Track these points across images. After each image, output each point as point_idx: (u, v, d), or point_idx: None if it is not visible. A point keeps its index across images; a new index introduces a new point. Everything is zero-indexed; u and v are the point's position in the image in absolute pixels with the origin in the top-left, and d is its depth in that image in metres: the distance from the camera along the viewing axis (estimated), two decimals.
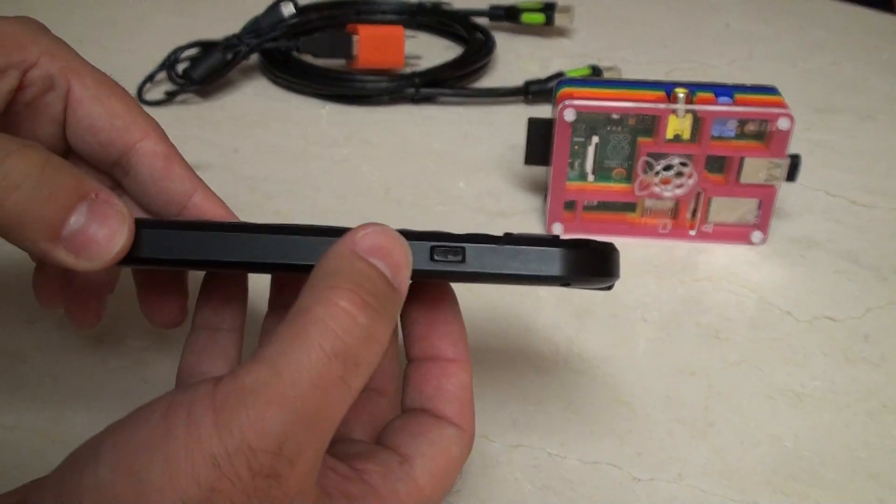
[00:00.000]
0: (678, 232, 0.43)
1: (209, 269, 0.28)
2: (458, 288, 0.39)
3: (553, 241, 0.25)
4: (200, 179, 0.29)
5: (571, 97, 0.40)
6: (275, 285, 0.30)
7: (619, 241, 0.42)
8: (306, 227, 0.25)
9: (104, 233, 0.23)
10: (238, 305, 0.29)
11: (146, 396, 0.31)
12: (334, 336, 0.21)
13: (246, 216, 0.43)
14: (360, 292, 0.22)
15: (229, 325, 0.29)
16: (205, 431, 0.20)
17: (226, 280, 0.29)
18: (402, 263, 0.23)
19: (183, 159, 0.29)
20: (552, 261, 0.25)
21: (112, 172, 0.29)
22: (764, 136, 0.40)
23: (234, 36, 0.56)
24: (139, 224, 0.24)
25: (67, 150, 0.29)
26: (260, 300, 0.30)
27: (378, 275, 0.23)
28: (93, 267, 0.24)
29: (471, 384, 0.27)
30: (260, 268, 0.25)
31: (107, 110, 0.28)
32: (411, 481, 0.25)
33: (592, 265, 0.26)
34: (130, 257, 0.24)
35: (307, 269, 0.23)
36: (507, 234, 0.25)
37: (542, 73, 0.57)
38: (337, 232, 0.24)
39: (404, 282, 0.23)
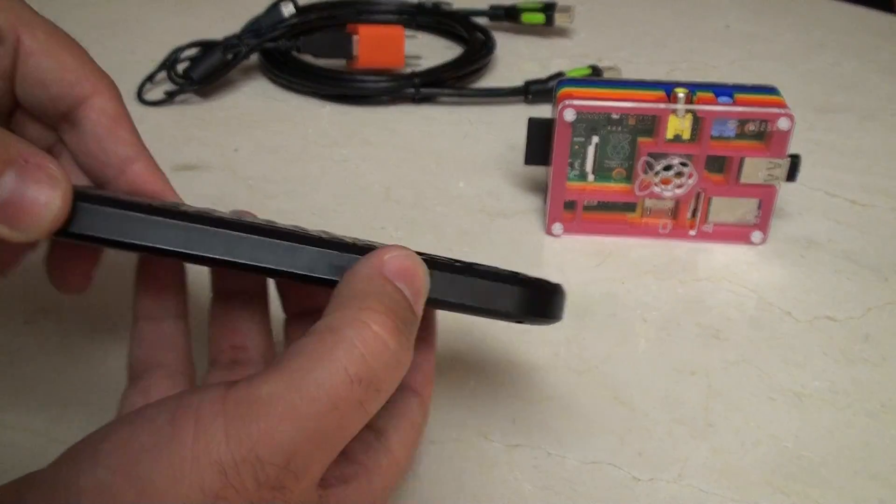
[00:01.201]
0: (678, 232, 0.43)
1: (151, 255, 0.26)
2: None
3: (512, 278, 0.25)
4: (145, 148, 0.28)
5: (571, 97, 0.40)
6: (283, 294, 0.30)
7: (619, 241, 0.42)
8: (258, 227, 0.24)
9: (36, 200, 0.22)
10: (179, 292, 0.29)
11: None
12: (361, 360, 0.21)
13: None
14: (392, 317, 0.22)
15: (174, 313, 0.28)
16: (214, 438, 0.20)
17: (164, 267, 0.28)
18: (422, 289, 0.23)
19: (132, 124, 0.28)
20: (509, 299, 0.25)
21: (58, 128, 0.28)
22: (764, 136, 0.40)
23: (234, 36, 0.56)
24: (81, 196, 0.23)
25: (15, 106, 0.28)
26: (199, 286, 0.30)
27: (405, 300, 0.23)
28: (27, 237, 0.22)
29: (433, 357, 0.28)
30: (207, 262, 0.24)
31: (57, 63, 0.27)
32: (389, 454, 0.25)
33: (543, 307, 0.26)
34: (70, 231, 0.22)
35: (262, 271, 0.23)
36: (470, 265, 0.25)
37: (542, 73, 0.57)
38: (300, 237, 0.24)
39: (421, 307, 0.23)
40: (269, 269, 0.24)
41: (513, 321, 0.27)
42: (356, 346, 0.21)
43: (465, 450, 0.31)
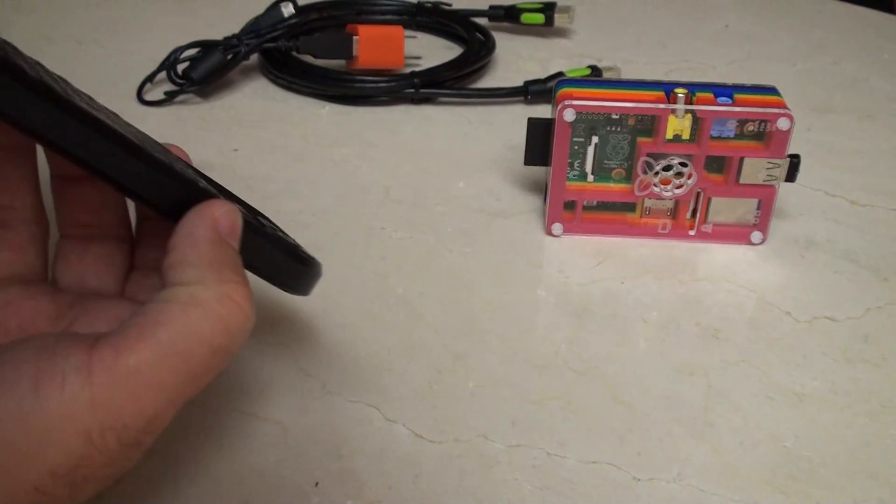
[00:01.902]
0: (678, 232, 0.43)
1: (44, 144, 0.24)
2: (455, 287, 0.39)
3: (294, 252, 0.28)
4: None
5: (571, 97, 0.40)
6: (135, 241, 0.30)
7: (618, 241, 0.42)
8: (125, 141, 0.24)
9: None
10: (118, 206, 0.29)
11: None
12: (226, 333, 0.23)
13: None
14: (246, 282, 0.24)
15: (111, 232, 0.28)
16: (81, 407, 0.20)
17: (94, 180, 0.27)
18: (239, 241, 0.25)
19: None
20: (291, 274, 0.28)
21: None
22: (764, 136, 0.40)
23: (234, 36, 0.56)
24: None
25: None
26: None
27: (238, 255, 0.24)
28: None
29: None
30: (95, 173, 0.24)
31: None
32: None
33: (308, 285, 0.28)
34: None
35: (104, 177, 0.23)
36: (262, 227, 0.27)
37: (541, 74, 0.57)
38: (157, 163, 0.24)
39: None
40: (122, 185, 0.24)
41: (270, 282, 0.28)
42: (222, 319, 0.23)
43: (465, 450, 0.31)
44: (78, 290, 0.28)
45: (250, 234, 0.26)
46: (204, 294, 0.23)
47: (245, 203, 0.31)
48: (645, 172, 0.41)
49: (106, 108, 0.27)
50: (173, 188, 0.24)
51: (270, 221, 0.31)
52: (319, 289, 0.38)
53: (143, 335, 0.22)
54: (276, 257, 0.27)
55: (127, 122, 0.28)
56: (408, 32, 0.58)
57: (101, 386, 0.21)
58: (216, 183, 0.30)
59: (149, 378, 0.21)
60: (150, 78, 0.55)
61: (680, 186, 0.41)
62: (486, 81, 0.60)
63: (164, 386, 0.22)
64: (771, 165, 0.40)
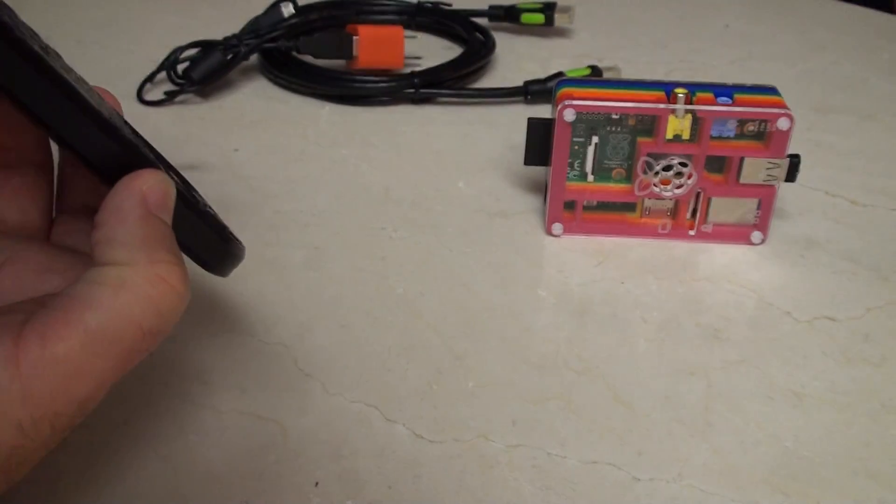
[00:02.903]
0: (678, 232, 0.43)
1: None
2: (455, 287, 0.39)
3: (222, 232, 0.27)
4: None
5: (571, 97, 0.40)
6: (61, 182, 0.28)
7: (618, 241, 0.42)
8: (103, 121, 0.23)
9: None
10: (32, 135, 0.27)
11: (146, 394, 0.31)
12: (157, 315, 0.22)
13: (246, 216, 0.43)
14: (179, 260, 0.23)
15: (31, 157, 0.27)
16: (12, 402, 0.20)
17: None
18: (172, 209, 0.24)
19: None
20: (216, 253, 0.27)
21: None
22: (764, 136, 0.40)
23: (234, 36, 0.56)
24: None
25: None
26: None
27: (169, 228, 0.24)
28: None
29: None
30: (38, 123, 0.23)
31: None
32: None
33: (231, 265, 0.28)
34: None
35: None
36: (205, 209, 0.27)
37: (541, 73, 0.57)
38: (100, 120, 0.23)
39: None
40: (62, 138, 0.23)
41: (191, 258, 0.27)
42: (154, 301, 0.22)
43: (465, 450, 0.31)
44: (0, 226, 0.27)
45: (182, 209, 0.25)
46: (134, 276, 0.22)
47: (182, 176, 0.30)
48: (645, 172, 0.41)
49: (48, 46, 0.26)
50: (114, 149, 0.23)
51: (203, 199, 0.30)
52: (320, 289, 0.38)
53: (71, 320, 0.21)
54: (205, 235, 0.26)
55: (66, 64, 0.26)
56: (408, 32, 0.58)
57: (31, 378, 0.20)
58: (154, 149, 0.29)
59: (78, 365, 0.21)
60: (150, 78, 0.55)
61: (680, 186, 0.41)
62: (486, 81, 0.60)
63: (95, 371, 0.21)
64: (771, 165, 0.40)
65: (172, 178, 0.25)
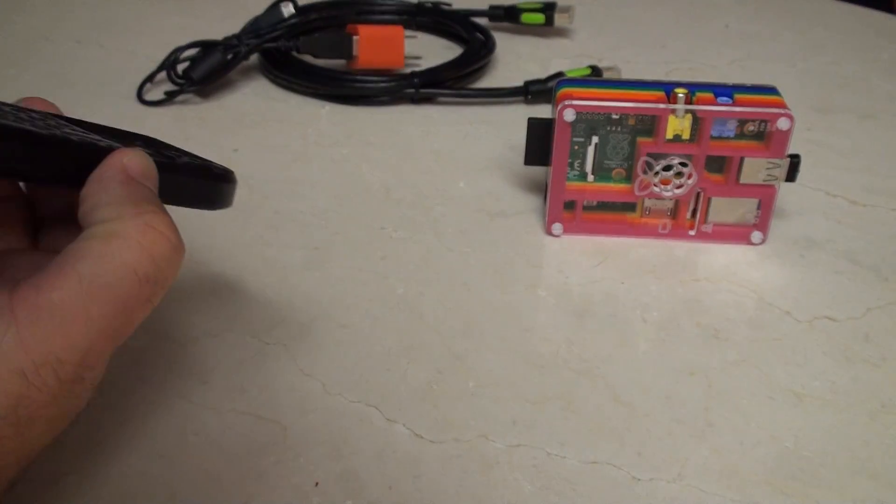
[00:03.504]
0: (678, 232, 0.43)
1: None
2: (455, 287, 0.39)
3: (216, 171, 0.28)
4: None
5: (571, 97, 0.40)
6: (36, 195, 0.29)
7: (618, 241, 0.42)
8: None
9: None
10: None
11: (146, 394, 0.31)
12: (150, 261, 0.22)
13: (246, 216, 0.43)
14: (165, 213, 0.23)
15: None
16: (9, 347, 0.20)
17: None
18: (157, 182, 0.25)
19: None
20: (205, 196, 0.28)
21: None
22: (764, 136, 0.40)
23: (234, 36, 0.56)
24: None
25: None
26: None
27: (156, 195, 0.24)
28: None
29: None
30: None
31: None
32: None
33: (226, 198, 0.29)
34: None
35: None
36: (173, 162, 0.27)
37: (541, 73, 0.57)
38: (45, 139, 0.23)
39: None
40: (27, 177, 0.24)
41: (194, 207, 0.28)
42: (144, 248, 0.22)
43: (465, 450, 0.31)
44: None
45: (164, 173, 0.25)
46: (123, 226, 0.23)
47: (151, 139, 0.31)
48: (645, 172, 0.41)
49: None
50: (72, 159, 0.24)
51: (177, 149, 0.31)
52: (320, 289, 0.38)
53: (64, 271, 0.22)
54: (195, 184, 0.27)
55: None
56: (408, 32, 0.58)
57: (27, 323, 0.21)
58: (113, 129, 0.30)
59: (74, 311, 0.21)
60: (150, 78, 0.55)
61: (680, 186, 0.41)
62: (486, 81, 0.60)
63: (92, 317, 0.21)
64: (771, 165, 0.40)
65: (147, 151, 0.25)
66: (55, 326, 0.21)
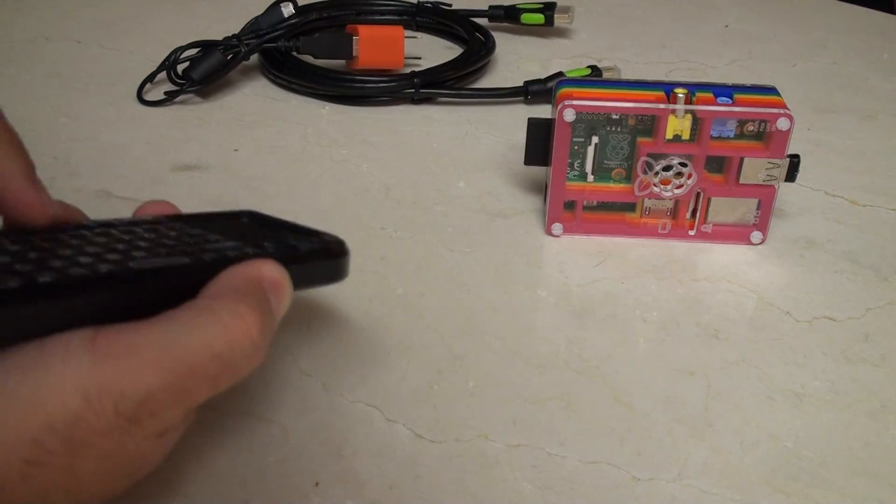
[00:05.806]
0: (678, 232, 0.43)
1: None
2: (455, 287, 0.39)
3: (333, 249, 0.30)
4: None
5: (571, 97, 0.40)
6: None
7: (618, 241, 0.42)
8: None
9: None
10: None
11: None
12: (227, 343, 0.24)
13: None
14: (261, 317, 0.25)
15: None
16: (81, 368, 0.21)
17: None
18: (285, 302, 0.27)
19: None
20: (335, 272, 0.30)
21: None
22: (763, 136, 0.40)
23: (234, 36, 0.56)
24: None
25: None
26: None
27: (271, 309, 0.26)
28: None
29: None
30: None
31: None
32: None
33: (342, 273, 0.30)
34: None
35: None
36: (306, 252, 0.29)
37: (541, 74, 0.57)
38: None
39: (281, 317, 0.27)
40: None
41: (320, 286, 0.30)
42: (228, 329, 0.24)
43: (465, 450, 0.31)
44: None
45: (291, 265, 0.27)
46: (218, 305, 0.24)
47: (254, 213, 0.32)
48: (645, 172, 0.41)
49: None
50: (213, 275, 0.26)
51: (280, 221, 0.32)
52: (320, 289, 0.38)
53: (150, 323, 0.23)
54: (319, 267, 0.29)
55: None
56: (408, 32, 0.58)
57: (103, 355, 0.22)
58: (216, 215, 0.31)
59: (147, 357, 0.22)
60: (150, 78, 0.55)
61: (680, 186, 0.41)
62: (486, 81, 0.60)
63: (163, 369, 0.22)
64: (771, 165, 0.40)
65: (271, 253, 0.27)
66: (127, 364, 0.22)
